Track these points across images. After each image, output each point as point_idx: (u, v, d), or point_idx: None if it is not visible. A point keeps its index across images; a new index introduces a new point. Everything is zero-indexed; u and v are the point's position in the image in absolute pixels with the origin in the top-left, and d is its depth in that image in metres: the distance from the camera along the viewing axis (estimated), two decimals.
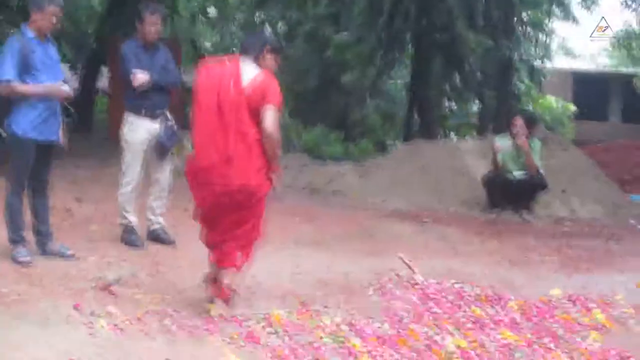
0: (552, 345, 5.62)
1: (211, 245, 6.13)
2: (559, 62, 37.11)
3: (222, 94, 5.80)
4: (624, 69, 37.69)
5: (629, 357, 5.39)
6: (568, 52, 44.36)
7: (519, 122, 11.44)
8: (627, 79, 34.03)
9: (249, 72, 5.90)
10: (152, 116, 8.29)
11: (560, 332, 5.99)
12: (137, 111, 8.28)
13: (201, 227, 6.15)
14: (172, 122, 8.40)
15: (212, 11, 26.34)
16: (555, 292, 7.12)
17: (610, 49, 39.74)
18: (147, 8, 8.42)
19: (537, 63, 27.59)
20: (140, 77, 8.13)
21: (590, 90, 36.80)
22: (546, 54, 28.73)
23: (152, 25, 8.34)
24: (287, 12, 23.50)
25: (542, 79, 29.54)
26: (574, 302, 6.89)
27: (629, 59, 37.51)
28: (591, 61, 44.70)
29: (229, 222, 5.97)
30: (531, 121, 11.82)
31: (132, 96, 8.27)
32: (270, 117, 5.81)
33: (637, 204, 13.25)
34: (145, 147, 8.34)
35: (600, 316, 6.47)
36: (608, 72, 39.87)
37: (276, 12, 23.90)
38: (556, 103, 31.61)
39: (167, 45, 8.76)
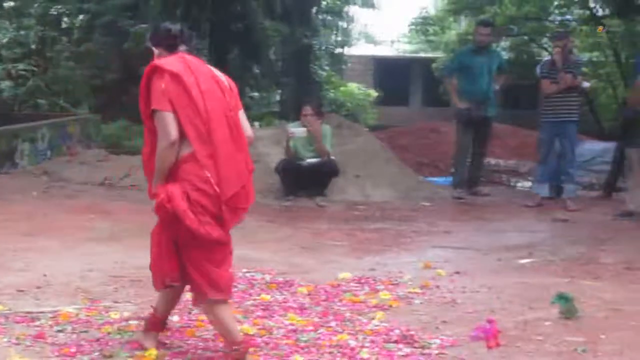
0: (338, 328, 5.75)
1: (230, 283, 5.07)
2: (361, 48, 37.84)
3: (222, 101, 4.92)
4: (423, 54, 38.67)
5: (411, 335, 5.56)
6: (369, 39, 45.18)
7: (308, 111, 11.65)
8: (426, 64, 34.95)
9: (215, 71, 5.10)
10: None
11: (347, 314, 6.12)
12: None
13: (212, 273, 4.90)
14: None
15: (7, 4, 25.54)
16: (345, 275, 7.29)
17: (409, 34, 40.76)
18: None
19: (338, 50, 28.04)
20: None
21: (392, 76, 37.67)
22: (346, 41, 29.20)
23: None
24: (85, 5, 23.06)
25: (344, 66, 30.05)
26: (362, 284, 7.08)
27: (427, 44, 38.60)
28: (392, 47, 45.64)
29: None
30: (320, 108, 12.07)
31: None
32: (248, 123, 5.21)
33: (429, 185, 13.66)
34: None
35: (387, 297, 6.65)
36: (408, 57, 40.83)
37: (73, 5, 23.42)
38: (358, 89, 32.18)
39: None
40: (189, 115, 4.75)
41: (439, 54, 33.24)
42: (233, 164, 4.84)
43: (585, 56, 25.70)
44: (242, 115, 5.08)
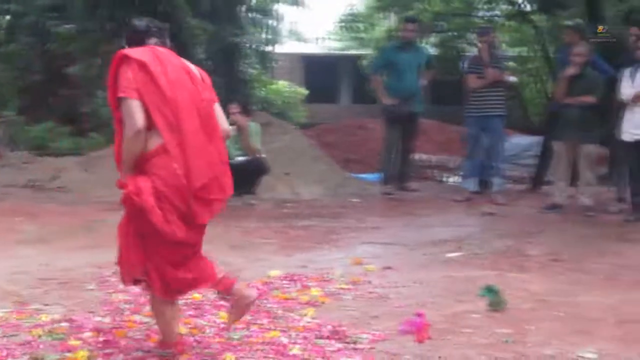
0: (269, 325, 5.77)
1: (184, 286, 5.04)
2: (290, 46, 37.80)
3: (193, 91, 4.88)
4: (351, 52, 38.74)
5: (342, 331, 5.61)
6: (298, 37, 45.19)
7: (234, 108, 11.68)
8: (354, 61, 35.05)
9: (187, 63, 5.06)
10: None
11: (278, 311, 6.15)
12: None
13: (165, 273, 4.85)
14: None
15: None
16: (275, 272, 7.32)
17: (337, 32, 40.80)
18: None
19: (266, 48, 27.98)
20: None
21: (321, 73, 37.73)
22: (275, 39, 29.14)
23: None
24: (7, 5, 22.75)
25: (273, 64, 30.02)
26: (292, 282, 7.11)
27: (356, 41, 38.68)
28: (320, 45, 45.67)
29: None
30: (247, 106, 12.11)
31: None
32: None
33: (357, 182, 13.73)
34: None
35: (317, 293, 6.69)
36: (336, 54, 40.86)
37: None
38: (287, 87, 32.15)
39: None
40: (157, 104, 4.69)
41: (367, 51, 33.32)
42: (204, 155, 4.78)
43: (513, 51, 26.01)
44: (217, 108, 5.03)
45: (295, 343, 5.33)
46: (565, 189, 11.50)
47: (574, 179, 11.78)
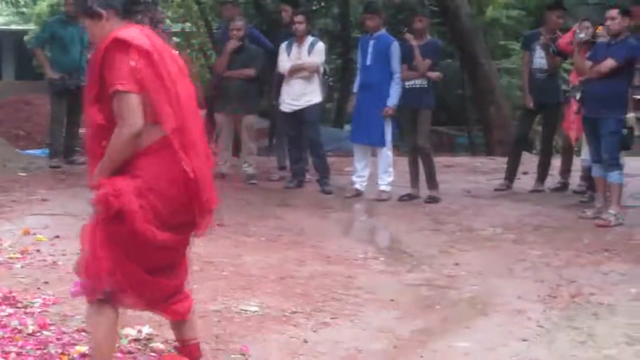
0: None
1: (168, 297, 4.46)
2: None
3: (186, 84, 4.30)
4: (14, 27, 37.78)
5: (13, 297, 5.76)
6: None
7: None
8: (18, 36, 34.25)
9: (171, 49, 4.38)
10: None
11: None
12: None
13: (145, 285, 4.26)
14: None
15: None
16: None
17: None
18: None
19: None
20: None
21: None
22: None
23: None
24: None
25: None
26: None
27: (19, 16, 37.74)
28: None
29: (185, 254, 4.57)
30: None
31: None
32: None
33: (26, 157, 13.61)
34: None
35: None
36: None
37: None
38: None
39: None
40: (158, 99, 4.05)
41: (30, 26, 32.65)
42: (206, 160, 4.25)
43: (177, 27, 26.30)
44: None
45: None
46: (229, 158, 11.95)
47: (237, 149, 12.27)
